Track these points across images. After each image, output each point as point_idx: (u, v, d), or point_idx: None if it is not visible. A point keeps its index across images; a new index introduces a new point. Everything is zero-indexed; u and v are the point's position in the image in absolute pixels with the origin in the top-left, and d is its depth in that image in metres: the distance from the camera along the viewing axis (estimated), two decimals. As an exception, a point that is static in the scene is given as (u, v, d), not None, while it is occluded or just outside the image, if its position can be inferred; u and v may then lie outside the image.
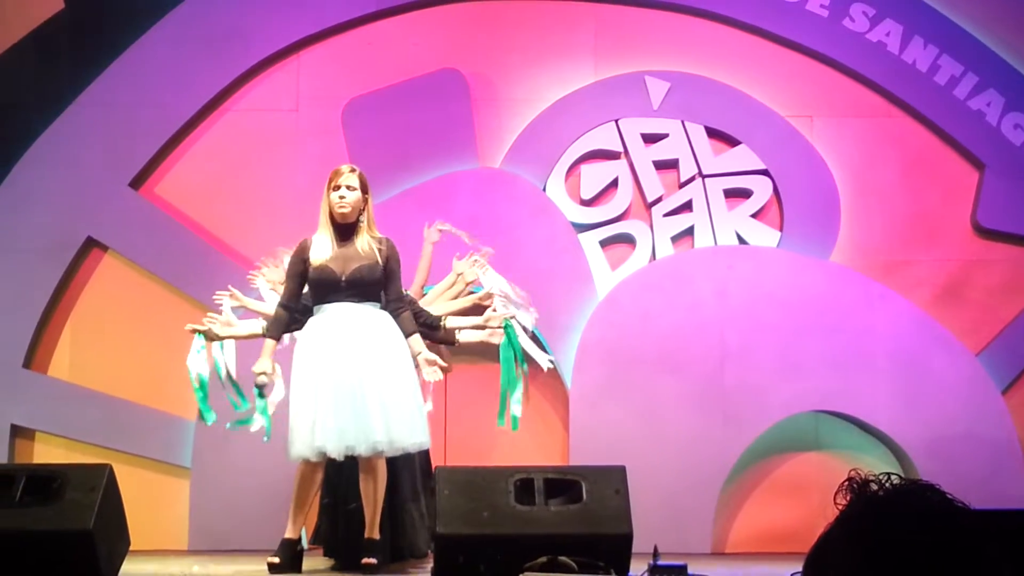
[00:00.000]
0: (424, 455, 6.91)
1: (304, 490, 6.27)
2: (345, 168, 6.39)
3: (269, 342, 6.37)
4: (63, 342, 8.52)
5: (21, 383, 8.38)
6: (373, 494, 6.23)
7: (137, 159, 8.57)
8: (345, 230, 6.33)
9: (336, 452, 6.09)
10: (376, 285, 6.28)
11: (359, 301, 6.24)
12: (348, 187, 6.30)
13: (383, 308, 6.33)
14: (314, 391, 6.12)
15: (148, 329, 8.48)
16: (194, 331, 6.84)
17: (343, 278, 6.21)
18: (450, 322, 6.87)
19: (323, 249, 6.27)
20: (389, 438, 6.12)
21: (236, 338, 6.91)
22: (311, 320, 6.29)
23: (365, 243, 6.29)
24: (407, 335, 6.30)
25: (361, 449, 6.10)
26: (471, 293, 7.44)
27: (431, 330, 6.73)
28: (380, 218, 7.76)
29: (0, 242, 8.44)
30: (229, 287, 7.04)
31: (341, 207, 6.28)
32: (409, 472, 6.76)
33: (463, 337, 6.88)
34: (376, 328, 6.24)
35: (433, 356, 6.26)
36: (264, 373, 6.32)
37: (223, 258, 8.48)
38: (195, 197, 8.61)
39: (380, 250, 6.30)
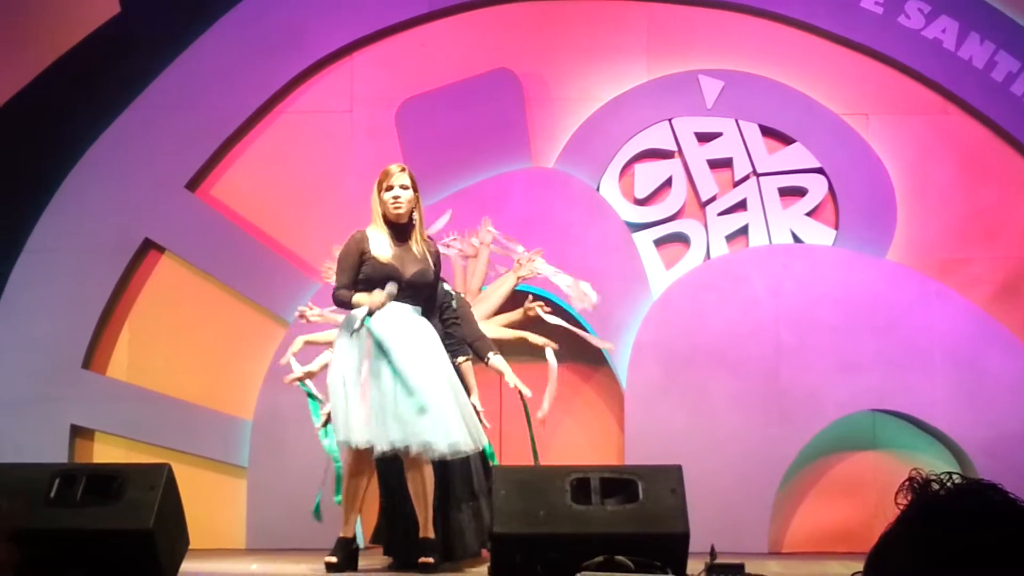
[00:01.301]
0: (481, 455, 6.93)
1: (353, 487, 6.29)
2: (395, 168, 6.37)
3: (361, 295, 6.18)
4: (121, 342, 8.61)
5: (80, 383, 8.47)
6: (422, 493, 6.24)
7: (193, 161, 8.64)
8: (399, 230, 6.32)
9: (399, 444, 6.10)
10: (427, 288, 6.30)
11: (413, 304, 6.25)
12: (401, 186, 6.29)
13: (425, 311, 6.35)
14: (372, 385, 6.12)
15: (205, 329, 8.56)
16: (296, 380, 6.91)
17: (404, 279, 6.22)
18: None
19: (382, 247, 6.24)
20: (449, 441, 6.13)
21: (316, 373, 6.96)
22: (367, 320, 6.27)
23: (420, 246, 6.30)
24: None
25: (416, 447, 6.12)
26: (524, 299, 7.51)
27: (476, 356, 6.80)
28: (436, 218, 7.82)
29: (59, 243, 8.53)
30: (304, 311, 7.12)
31: (396, 207, 6.27)
32: (463, 472, 6.77)
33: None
34: (428, 333, 6.25)
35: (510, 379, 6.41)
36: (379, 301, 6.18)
37: (278, 259, 8.54)
38: (250, 199, 8.67)
39: (432, 253, 6.32)
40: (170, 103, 8.65)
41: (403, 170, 6.34)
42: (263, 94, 8.67)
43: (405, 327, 6.21)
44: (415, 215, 6.33)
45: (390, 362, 6.12)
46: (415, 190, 6.33)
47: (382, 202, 6.29)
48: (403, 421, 6.08)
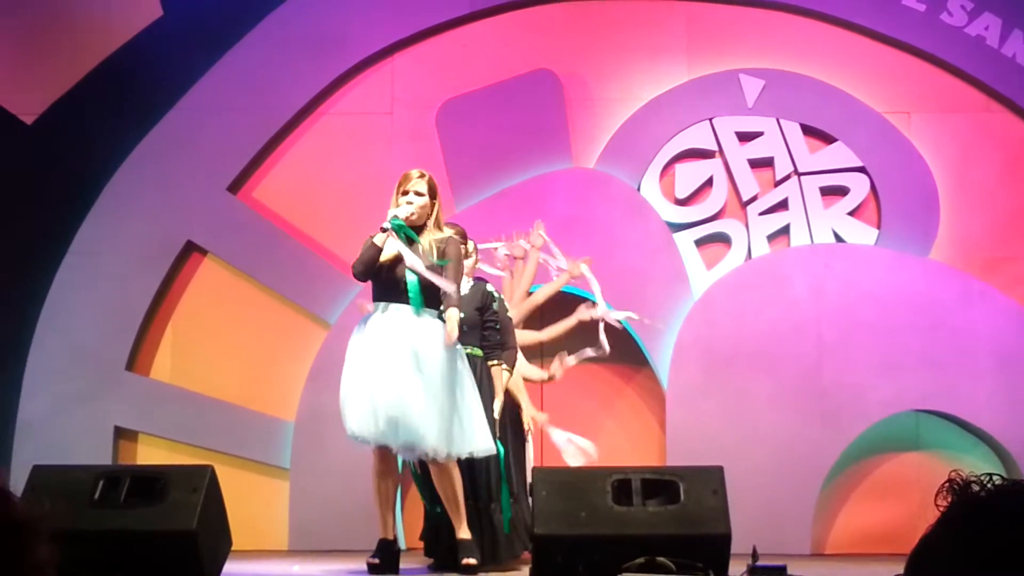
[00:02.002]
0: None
1: (383, 488, 6.31)
2: (414, 173, 6.37)
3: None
4: (164, 345, 8.66)
5: (124, 385, 8.52)
6: (451, 495, 6.24)
7: (235, 164, 8.68)
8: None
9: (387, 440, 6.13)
10: (437, 287, 6.26)
11: (419, 305, 6.23)
12: (416, 192, 6.30)
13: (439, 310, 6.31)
14: (365, 390, 6.11)
15: (247, 331, 8.60)
16: None
17: (404, 281, 6.21)
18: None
19: (390, 248, 6.24)
20: (443, 445, 6.12)
21: None
22: (370, 319, 6.25)
23: (427, 245, 6.26)
24: (446, 307, 6.19)
25: (425, 452, 6.14)
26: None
27: (498, 349, 6.81)
28: (476, 219, 7.84)
29: (102, 247, 8.59)
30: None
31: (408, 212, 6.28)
32: (496, 474, 6.77)
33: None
34: (433, 339, 6.22)
35: (452, 329, 6.09)
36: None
37: (320, 260, 8.57)
38: (292, 201, 8.71)
39: (439, 249, 6.28)
40: (212, 106, 8.69)
41: (422, 176, 6.35)
42: (304, 96, 8.71)
43: (402, 329, 6.18)
44: (429, 222, 6.31)
45: (386, 359, 6.11)
46: (432, 197, 6.33)
47: (397, 206, 6.30)
48: (386, 418, 6.08)
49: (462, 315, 6.53)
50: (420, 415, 6.08)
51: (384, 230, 6.18)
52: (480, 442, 6.24)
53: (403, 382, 6.08)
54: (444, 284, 6.12)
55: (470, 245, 6.93)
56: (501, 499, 6.70)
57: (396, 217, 6.18)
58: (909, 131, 8.59)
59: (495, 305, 6.81)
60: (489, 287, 6.88)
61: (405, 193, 6.29)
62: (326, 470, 8.22)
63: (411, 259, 6.11)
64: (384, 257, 6.22)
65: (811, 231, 8.56)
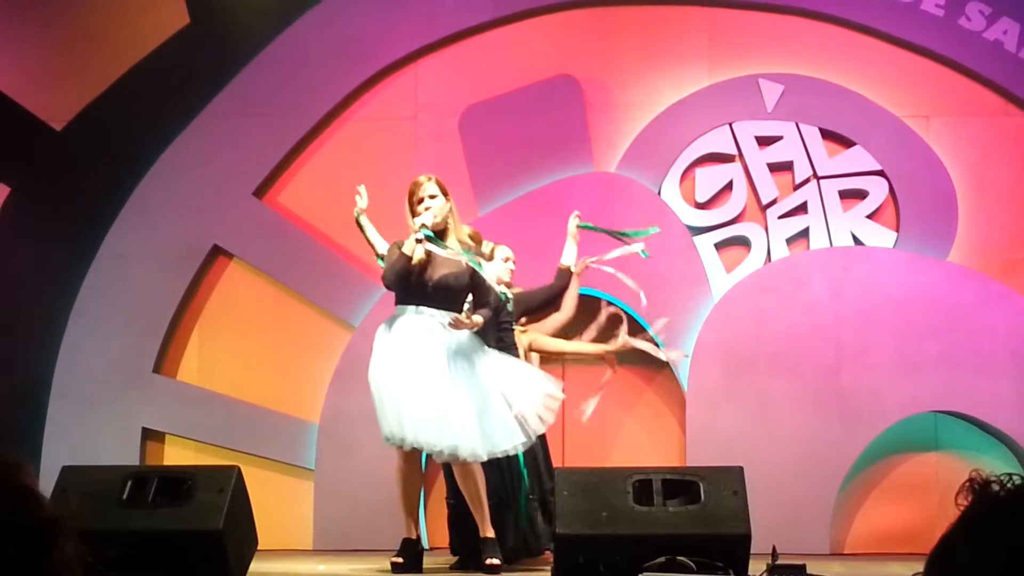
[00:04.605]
0: (546, 455, 7.00)
1: (406, 488, 6.36)
2: (423, 178, 6.43)
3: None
4: (191, 347, 8.73)
5: (151, 387, 8.60)
6: (476, 494, 6.30)
7: (261, 168, 8.75)
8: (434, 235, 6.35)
9: (433, 450, 6.20)
10: (462, 291, 6.31)
11: (443, 308, 6.28)
12: (430, 196, 6.35)
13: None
14: (396, 393, 6.18)
15: (273, 334, 8.66)
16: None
17: (430, 284, 6.28)
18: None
19: (418, 254, 6.30)
20: (479, 447, 6.20)
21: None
22: (396, 321, 6.33)
23: (455, 245, 6.31)
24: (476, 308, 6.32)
25: (453, 453, 6.21)
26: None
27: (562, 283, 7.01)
28: (498, 223, 7.89)
29: (130, 251, 8.67)
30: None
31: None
32: (534, 469, 6.83)
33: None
34: (463, 342, 6.30)
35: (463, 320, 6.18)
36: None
37: (344, 264, 8.63)
38: (316, 205, 8.77)
39: (466, 245, 6.34)
40: (238, 112, 8.76)
41: (430, 179, 6.41)
42: (329, 102, 8.77)
43: (433, 333, 6.24)
44: (450, 220, 6.38)
45: (426, 372, 6.17)
46: (446, 196, 6.39)
47: (415, 215, 6.34)
48: (427, 424, 6.15)
49: None
50: (458, 420, 6.16)
51: (419, 241, 6.23)
52: (510, 439, 6.31)
53: (441, 387, 6.15)
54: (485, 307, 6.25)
55: (486, 247, 6.98)
56: (520, 494, 6.77)
57: (425, 226, 6.23)
58: (927, 135, 8.62)
59: (509, 306, 6.87)
60: (501, 288, 6.93)
61: (420, 200, 6.34)
62: (350, 470, 8.29)
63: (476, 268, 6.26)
64: (412, 263, 6.29)
65: (830, 234, 8.60)
